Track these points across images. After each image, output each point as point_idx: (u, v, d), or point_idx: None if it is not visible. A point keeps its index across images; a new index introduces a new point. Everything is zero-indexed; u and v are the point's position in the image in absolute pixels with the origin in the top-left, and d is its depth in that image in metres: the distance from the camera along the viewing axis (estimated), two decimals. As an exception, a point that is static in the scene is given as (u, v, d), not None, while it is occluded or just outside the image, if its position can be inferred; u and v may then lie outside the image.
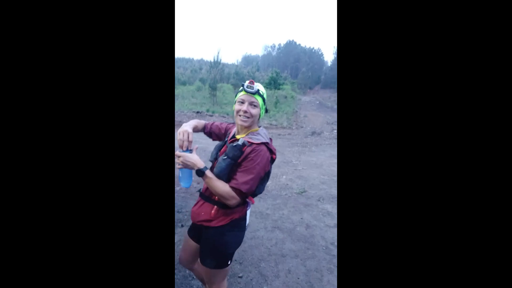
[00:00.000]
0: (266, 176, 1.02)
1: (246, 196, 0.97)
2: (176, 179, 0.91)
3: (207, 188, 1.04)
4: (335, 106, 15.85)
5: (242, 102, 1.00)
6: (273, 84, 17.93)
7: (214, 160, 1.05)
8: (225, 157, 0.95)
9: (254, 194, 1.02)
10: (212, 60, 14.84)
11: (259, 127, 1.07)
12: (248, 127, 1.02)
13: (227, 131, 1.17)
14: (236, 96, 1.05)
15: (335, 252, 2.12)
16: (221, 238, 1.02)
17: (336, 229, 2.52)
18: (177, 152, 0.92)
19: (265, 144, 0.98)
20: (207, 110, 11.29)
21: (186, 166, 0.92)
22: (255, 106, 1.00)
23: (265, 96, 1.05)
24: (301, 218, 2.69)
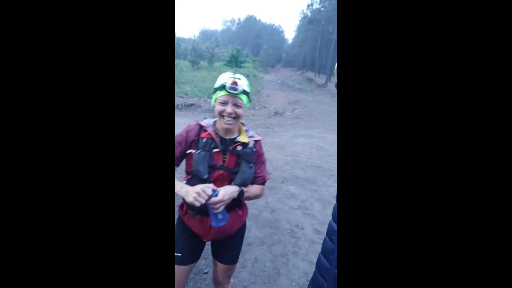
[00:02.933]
0: None
1: None
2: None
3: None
4: (297, 85, 16.13)
5: (224, 103, 0.87)
6: (234, 62, 17.34)
7: (212, 170, 0.91)
8: (250, 164, 0.93)
9: None
10: (166, 34, 13.53)
11: None
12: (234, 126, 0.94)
13: (188, 141, 0.93)
14: (215, 93, 0.89)
15: (299, 234, 2.18)
16: (244, 228, 1.10)
17: (299, 210, 2.61)
18: (212, 201, 0.82)
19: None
20: (164, 90, 10.44)
21: (226, 200, 0.86)
22: (239, 106, 0.89)
23: (249, 89, 0.92)
24: (266, 203, 2.70)
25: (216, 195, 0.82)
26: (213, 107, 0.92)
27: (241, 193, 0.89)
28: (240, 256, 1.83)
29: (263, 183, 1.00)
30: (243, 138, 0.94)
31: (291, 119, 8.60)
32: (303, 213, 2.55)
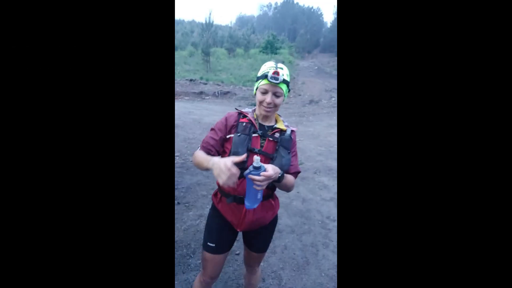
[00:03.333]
0: None
1: None
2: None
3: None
4: (334, 72, 15.29)
5: (265, 92, 0.91)
6: (269, 48, 17.02)
7: (250, 153, 0.91)
8: (288, 151, 0.95)
9: None
10: (204, 22, 13.77)
11: None
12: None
13: (228, 126, 0.96)
14: (257, 82, 0.94)
15: (330, 226, 2.15)
16: (276, 219, 1.12)
17: (332, 202, 2.55)
18: (265, 175, 0.75)
19: None
20: (201, 78, 10.79)
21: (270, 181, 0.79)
22: (279, 95, 0.92)
23: (289, 78, 0.94)
24: (298, 192, 2.70)
25: (264, 171, 0.76)
26: (255, 95, 0.96)
27: (282, 176, 0.86)
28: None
29: (295, 174, 1.00)
30: (280, 125, 0.98)
31: (327, 108, 8.26)
32: (335, 205, 2.50)
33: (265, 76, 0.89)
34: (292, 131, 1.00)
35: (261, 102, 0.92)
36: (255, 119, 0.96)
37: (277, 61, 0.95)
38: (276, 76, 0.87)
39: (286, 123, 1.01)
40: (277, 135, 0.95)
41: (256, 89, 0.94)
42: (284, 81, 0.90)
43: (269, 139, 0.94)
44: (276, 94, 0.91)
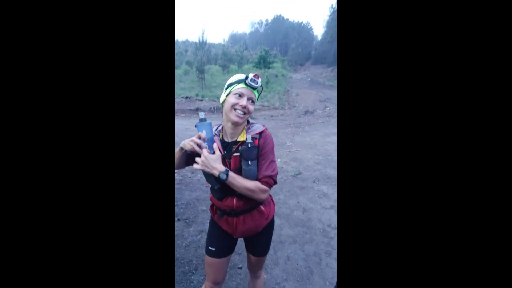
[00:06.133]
0: None
1: (275, 182, 0.94)
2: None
3: (242, 203, 0.95)
4: (327, 83, 15.61)
5: (240, 96, 0.89)
6: (262, 63, 17.43)
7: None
8: (249, 162, 0.89)
9: None
10: (198, 41, 14.17)
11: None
12: (240, 125, 0.94)
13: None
14: (230, 86, 0.91)
15: (332, 234, 2.15)
16: (273, 223, 1.11)
17: (332, 210, 2.55)
18: (201, 154, 0.86)
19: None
20: (196, 95, 10.96)
21: (206, 168, 0.86)
22: (253, 102, 0.92)
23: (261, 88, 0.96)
24: (298, 202, 2.70)
25: (213, 152, 0.87)
26: (222, 104, 0.94)
27: (222, 174, 0.84)
28: (272, 253, 1.88)
29: (266, 182, 0.90)
30: (241, 137, 0.93)
31: (322, 117, 8.37)
32: (336, 213, 2.49)
33: (242, 81, 0.89)
34: (260, 134, 0.93)
35: (234, 105, 0.88)
36: (220, 139, 0.96)
37: (270, 75, 0.99)
38: (256, 79, 0.88)
39: (255, 126, 0.96)
40: (240, 147, 0.92)
41: (227, 96, 0.91)
42: (258, 89, 0.92)
43: (234, 156, 0.92)
44: (251, 99, 0.90)
